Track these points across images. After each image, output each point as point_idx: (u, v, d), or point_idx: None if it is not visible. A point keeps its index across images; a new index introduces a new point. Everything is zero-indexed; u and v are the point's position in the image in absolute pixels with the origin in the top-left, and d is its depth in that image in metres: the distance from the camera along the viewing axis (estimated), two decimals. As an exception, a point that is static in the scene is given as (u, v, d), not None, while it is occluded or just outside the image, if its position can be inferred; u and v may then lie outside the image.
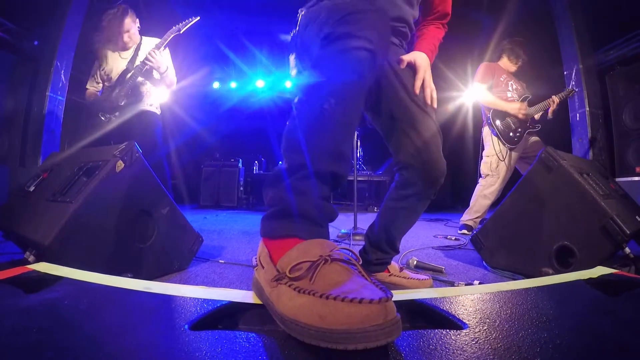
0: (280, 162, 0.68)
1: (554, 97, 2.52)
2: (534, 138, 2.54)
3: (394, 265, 1.22)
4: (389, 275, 1.19)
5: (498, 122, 2.47)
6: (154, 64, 1.99)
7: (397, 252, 1.18)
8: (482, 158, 2.59)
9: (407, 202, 1.08)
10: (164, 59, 2.03)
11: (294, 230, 0.60)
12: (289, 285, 0.49)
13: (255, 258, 0.66)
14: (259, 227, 0.67)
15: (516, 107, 2.43)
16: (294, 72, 1.00)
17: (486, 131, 2.58)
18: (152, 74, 2.08)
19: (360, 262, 0.53)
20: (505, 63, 2.63)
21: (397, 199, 1.09)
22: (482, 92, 2.52)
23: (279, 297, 0.50)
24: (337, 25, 0.71)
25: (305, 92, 0.71)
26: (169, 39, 2.02)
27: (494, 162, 2.46)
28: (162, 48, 2.01)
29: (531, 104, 2.53)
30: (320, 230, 0.63)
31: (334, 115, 0.65)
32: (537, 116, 2.51)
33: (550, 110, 2.52)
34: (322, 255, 0.52)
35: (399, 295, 0.62)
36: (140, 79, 2.03)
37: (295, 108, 0.70)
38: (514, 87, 2.56)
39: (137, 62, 2.02)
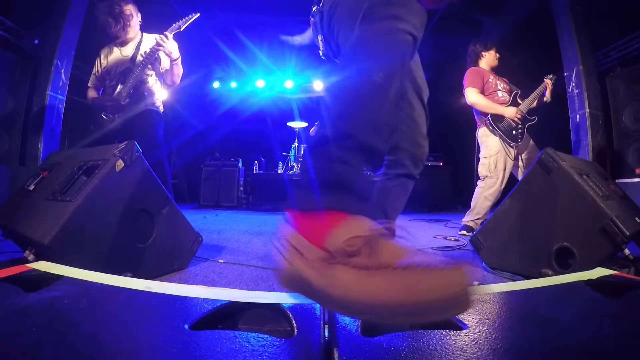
0: (315, 128, 0.70)
1: (546, 80, 2.55)
2: (528, 139, 2.54)
3: None
4: None
5: (499, 124, 2.48)
6: (165, 48, 1.96)
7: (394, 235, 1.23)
8: (479, 160, 2.59)
9: (398, 181, 1.19)
10: (175, 46, 2.02)
11: (344, 202, 0.54)
12: (350, 265, 0.44)
13: (280, 247, 0.56)
14: (291, 200, 0.59)
15: (512, 112, 2.44)
16: (319, 40, 1.02)
17: (482, 132, 2.58)
18: (159, 64, 2.06)
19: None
20: (489, 60, 2.64)
21: (389, 179, 1.20)
22: (476, 96, 2.53)
23: (335, 281, 0.44)
24: (384, 5, 0.69)
25: (353, 60, 0.68)
26: (172, 34, 2.01)
27: (492, 163, 2.46)
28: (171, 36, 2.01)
29: (522, 97, 2.57)
30: (365, 207, 0.59)
31: (383, 88, 0.64)
32: (534, 104, 2.53)
33: (548, 92, 2.54)
34: (376, 230, 0.48)
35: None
36: (142, 76, 2.02)
37: (340, 83, 0.67)
38: (502, 86, 2.59)
39: (139, 59, 2.02)
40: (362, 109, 0.63)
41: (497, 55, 2.65)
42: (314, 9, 1.02)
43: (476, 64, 2.69)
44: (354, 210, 0.53)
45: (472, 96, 2.54)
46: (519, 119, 2.44)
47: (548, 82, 2.54)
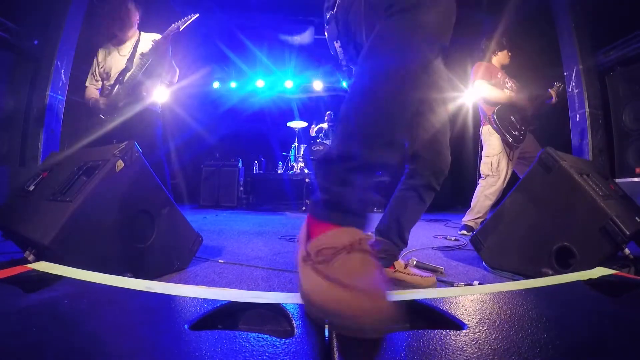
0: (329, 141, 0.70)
1: (550, 90, 2.62)
2: (530, 138, 2.56)
3: (399, 262, 1.26)
4: (394, 272, 1.22)
5: (503, 123, 2.48)
6: (162, 51, 2.01)
7: (406, 244, 1.22)
8: (481, 158, 2.59)
9: (416, 192, 1.16)
10: (169, 49, 2.06)
11: (334, 219, 0.60)
12: (316, 270, 0.53)
13: (300, 233, 0.69)
14: (310, 202, 0.68)
15: (524, 97, 2.51)
16: (338, 44, 0.97)
17: (485, 130, 2.58)
18: (157, 66, 2.08)
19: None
20: (500, 58, 2.66)
21: (407, 189, 1.18)
22: (488, 88, 2.53)
23: (302, 274, 0.56)
24: None
25: (363, 70, 0.65)
26: (169, 37, 2.02)
27: (495, 162, 2.47)
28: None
29: None
30: (358, 220, 0.62)
31: (400, 92, 0.60)
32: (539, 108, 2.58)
33: (553, 101, 2.60)
34: (349, 244, 0.54)
35: (399, 295, 0.62)
36: (140, 76, 2.03)
37: (352, 87, 0.65)
38: (510, 84, 2.61)
39: (137, 59, 2.02)
40: (367, 124, 0.60)
41: (510, 54, 2.67)
42: (327, 15, 0.97)
43: (488, 59, 2.69)
44: (346, 223, 0.59)
45: (482, 88, 2.55)
46: (529, 105, 2.50)
47: (552, 92, 2.59)
